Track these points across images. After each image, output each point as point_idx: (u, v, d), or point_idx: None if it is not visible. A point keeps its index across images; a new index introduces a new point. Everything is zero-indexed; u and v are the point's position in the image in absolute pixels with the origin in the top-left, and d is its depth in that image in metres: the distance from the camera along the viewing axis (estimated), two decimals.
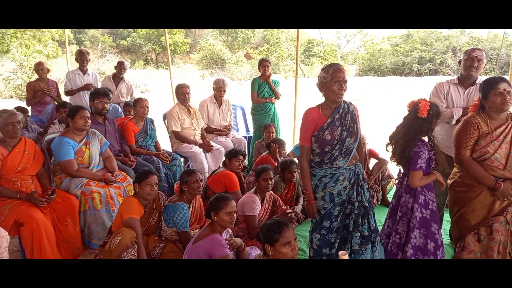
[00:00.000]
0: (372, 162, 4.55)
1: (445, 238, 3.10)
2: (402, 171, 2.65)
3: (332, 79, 2.31)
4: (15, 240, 3.03)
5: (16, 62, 14.01)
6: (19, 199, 2.86)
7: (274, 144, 4.33)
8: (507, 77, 4.13)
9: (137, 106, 4.21)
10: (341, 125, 2.38)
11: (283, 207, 3.51)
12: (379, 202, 4.22)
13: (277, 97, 5.28)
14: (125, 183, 3.41)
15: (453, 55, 22.38)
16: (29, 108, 5.46)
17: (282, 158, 4.32)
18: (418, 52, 23.52)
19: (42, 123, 4.86)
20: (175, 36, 24.42)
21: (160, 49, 25.49)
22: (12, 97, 13.75)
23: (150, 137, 4.29)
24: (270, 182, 3.23)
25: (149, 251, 2.79)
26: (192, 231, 2.98)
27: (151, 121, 4.37)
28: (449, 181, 2.66)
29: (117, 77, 5.61)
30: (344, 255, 2.09)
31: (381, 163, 4.12)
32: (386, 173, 4.22)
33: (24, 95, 12.88)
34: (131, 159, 3.87)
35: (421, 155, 2.39)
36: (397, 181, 2.76)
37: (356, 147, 2.47)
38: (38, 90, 5.20)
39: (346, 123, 2.39)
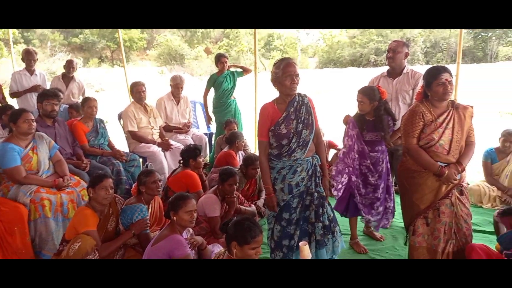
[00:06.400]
0: (331, 154, 4.65)
1: (400, 222, 3.24)
2: None
3: (283, 73, 2.33)
4: None
5: None
6: None
7: (239, 141, 4.29)
8: (454, 66, 4.38)
9: (85, 107, 4.03)
10: (296, 118, 2.41)
11: (245, 204, 3.49)
12: None
13: (248, 70, 5.47)
14: (78, 188, 3.24)
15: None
16: None
17: (244, 153, 4.30)
18: (374, 43, 24.28)
19: None
20: (131, 31, 23.58)
21: (115, 46, 24.55)
22: None
23: (102, 135, 4.11)
24: (235, 187, 3.18)
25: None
26: (152, 233, 2.90)
27: (101, 121, 4.20)
28: (398, 169, 2.76)
29: (67, 77, 5.32)
30: (304, 245, 2.12)
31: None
32: None
33: None
34: (84, 162, 3.69)
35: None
36: None
37: (312, 139, 2.49)
38: None
39: (301, 115, 2.42)
